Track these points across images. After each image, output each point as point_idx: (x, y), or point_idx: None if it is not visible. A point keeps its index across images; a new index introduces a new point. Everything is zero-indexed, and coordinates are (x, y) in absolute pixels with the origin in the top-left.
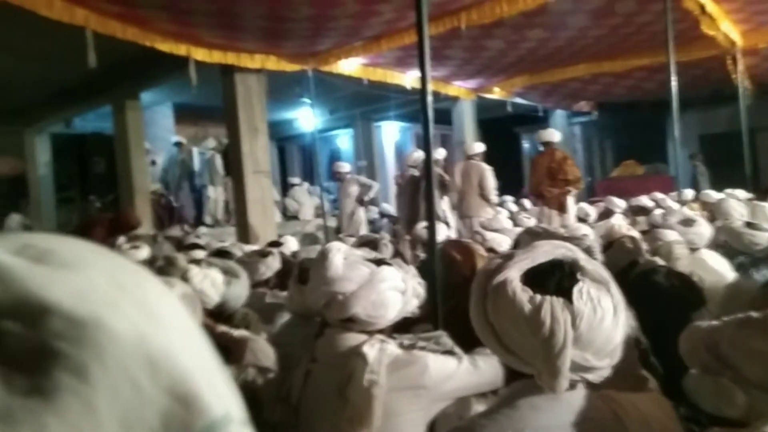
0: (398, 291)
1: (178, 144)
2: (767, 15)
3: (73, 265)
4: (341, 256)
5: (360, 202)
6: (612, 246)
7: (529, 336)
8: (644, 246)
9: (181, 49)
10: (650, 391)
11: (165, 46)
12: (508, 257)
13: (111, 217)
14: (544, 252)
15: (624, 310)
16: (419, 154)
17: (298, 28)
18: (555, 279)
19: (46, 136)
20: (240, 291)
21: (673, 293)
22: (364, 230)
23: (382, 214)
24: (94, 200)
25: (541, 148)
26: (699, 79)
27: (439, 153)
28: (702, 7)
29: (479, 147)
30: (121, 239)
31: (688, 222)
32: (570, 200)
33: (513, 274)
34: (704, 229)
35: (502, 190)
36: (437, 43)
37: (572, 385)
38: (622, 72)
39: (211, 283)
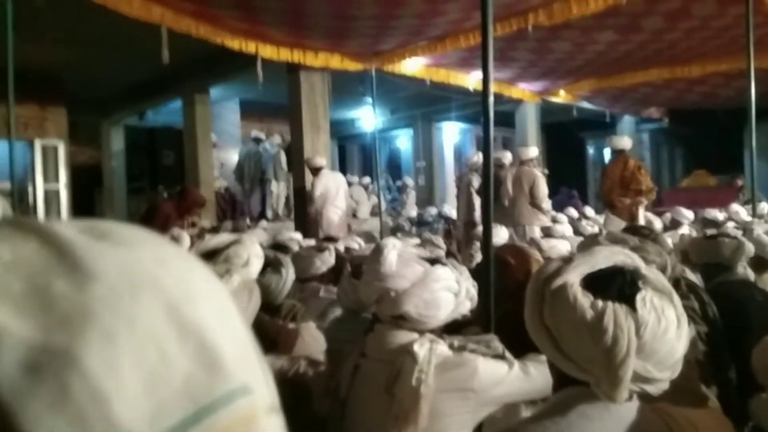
0: (451, 292)
1: (257, 139)
2: None
3: (127, 244)
4: (396, 252)
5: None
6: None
7: (590, 343)
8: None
9: (249, 47)
10: (710, 409)
11: (234, 44)
12: (566, 261)
13: (178, 199)
14: (604, 257)
15: (687, 323)
16: (479, 158)
17: (362, 27)
18: (616, 285)
19: (120, 127)
20: (276, 283)
21: (752, 308)
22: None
23: (440, 216)
24: (162, 190)
25: (608, 156)
26: None
27: (506, 157)
28: None
29: (533, 152)
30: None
31: None
32: (641, 211)
33: (573, 278)
34: None
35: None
36: (502, 44)
37: (629, 396)
38: (697, 78)
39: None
